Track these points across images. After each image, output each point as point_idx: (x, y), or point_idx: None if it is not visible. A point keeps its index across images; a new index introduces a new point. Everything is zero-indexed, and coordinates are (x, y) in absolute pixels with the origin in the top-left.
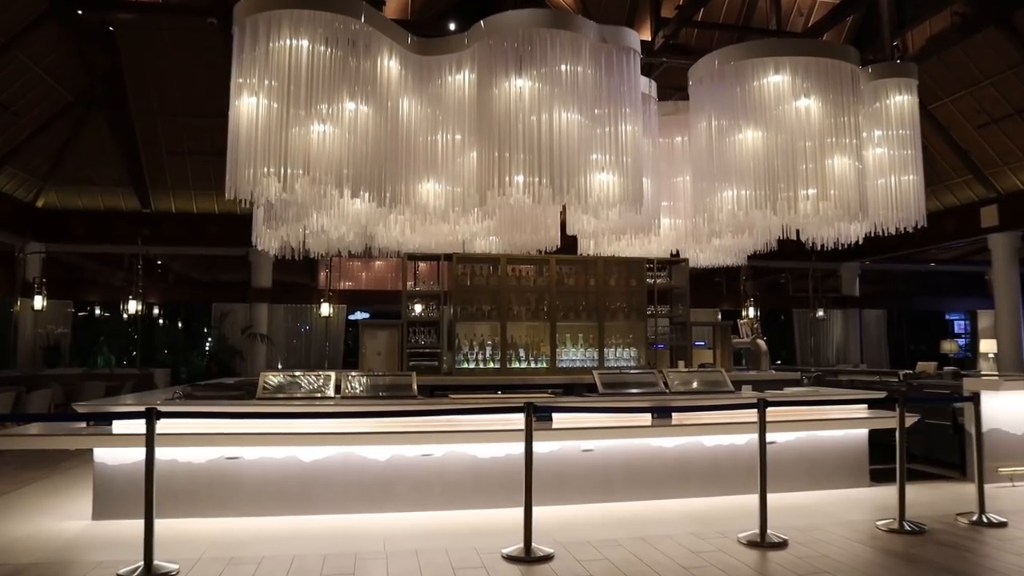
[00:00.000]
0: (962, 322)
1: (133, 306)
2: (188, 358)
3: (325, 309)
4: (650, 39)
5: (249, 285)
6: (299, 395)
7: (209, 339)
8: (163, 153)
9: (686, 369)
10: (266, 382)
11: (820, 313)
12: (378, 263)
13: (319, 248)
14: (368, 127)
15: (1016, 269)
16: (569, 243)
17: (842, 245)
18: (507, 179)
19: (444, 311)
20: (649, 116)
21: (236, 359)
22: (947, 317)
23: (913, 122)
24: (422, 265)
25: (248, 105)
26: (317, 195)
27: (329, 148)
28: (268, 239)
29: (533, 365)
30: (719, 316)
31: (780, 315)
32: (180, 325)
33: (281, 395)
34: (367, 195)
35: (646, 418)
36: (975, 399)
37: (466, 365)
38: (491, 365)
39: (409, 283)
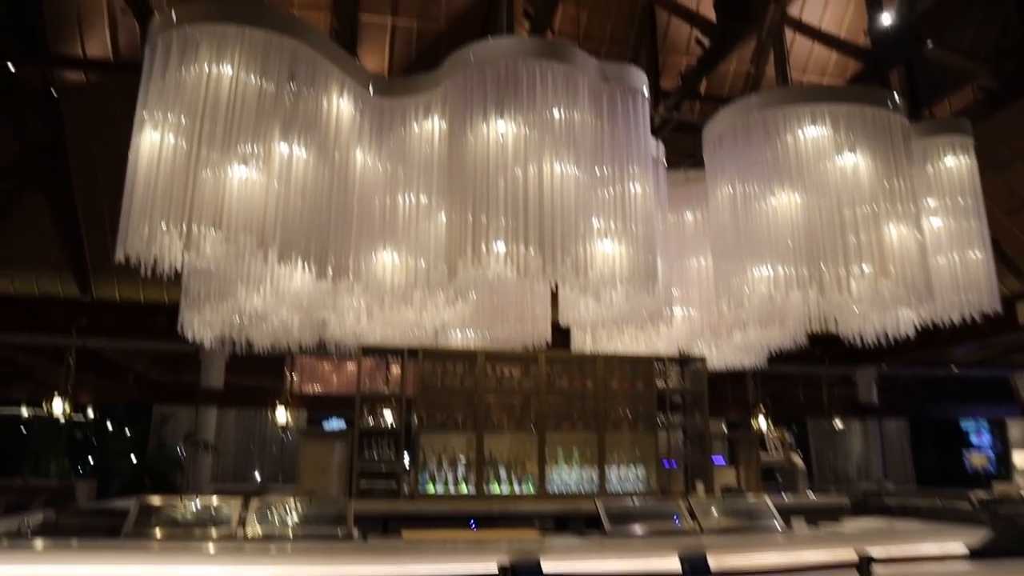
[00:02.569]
0: (981, 432)
1: (59, 405)
2: (120, 467)
3: (281, 415)
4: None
5: (197, 386)
6: (180, 532)
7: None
8: (107, 234)
9: (714, 495)
10: (143, 509)
11: (838, 423)
12: (351, 365)
13: (262, 340)
14: (307, 178)
15: None
16: (561, 339)
17: (893, 340)
18: (484, 246)
19: (407, 419)
20: (659, 182)
21: (176, 471)
22: (963, 427)
23: (974, 189)
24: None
25: (150, 143)
26: (235, 260)
27: (250, 199)
28: (196, 326)
29: (517, 489)
30: (724, 427)
31: (791, 426)
32: (123, 429)
33: (162, 529)
34: (302, 264)
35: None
36: None
37: (432, 489)
38: (464, 489)
39: (364, 384)
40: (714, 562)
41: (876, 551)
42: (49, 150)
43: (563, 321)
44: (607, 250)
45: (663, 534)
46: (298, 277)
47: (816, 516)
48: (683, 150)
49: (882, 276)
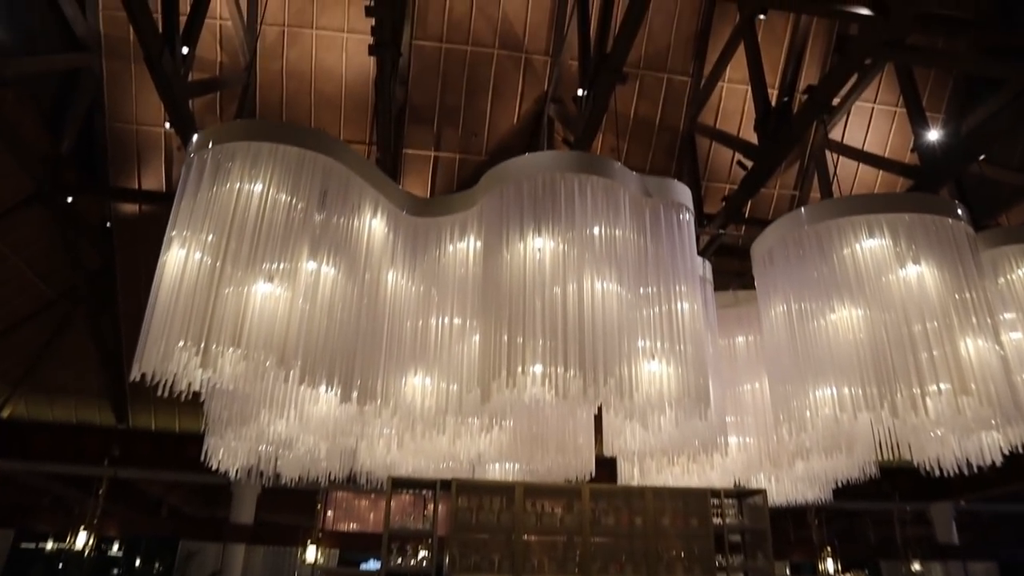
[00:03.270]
0: None
1: (83, 538)
2: None
3: (311, 554)
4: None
5: (226, 520)
6: None
7: None
8: None
9: None
10: None
11: (916, 566)
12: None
13: (291, 471)
14: (334, 296)
15: None
16: (607, 473)
17: (972, 471)
18: (520, 368)
19: (439, 559)
20: (707, 302)
21: None
22: None
23: None
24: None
25: (175, 260)
26: (255, 379)
27: (272, 316)
28: (221, 454)
29: None
30: (788, 571)
31: (865, 569)
32: (151, 565)
33: None
34: (326, 385)
35: None
36: None
37: None
38: None
39: (394, 519)
40: None
41: None
42: (99, 280)
43: (608, 451)
44: (654, 371)
45: None
46: (323, 401)
47: None
48: (730, 271)
49: (962, 394)
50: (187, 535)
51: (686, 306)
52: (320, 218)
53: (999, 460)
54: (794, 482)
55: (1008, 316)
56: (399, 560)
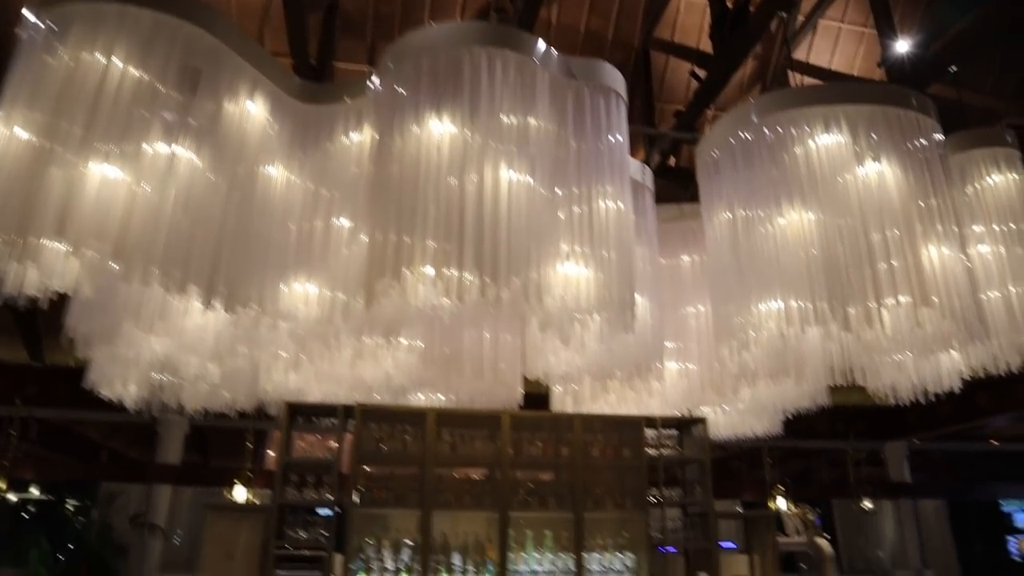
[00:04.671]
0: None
1: None
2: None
3: (240, 494)
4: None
5: (151, 462)
6: None
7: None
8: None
9: None
10: None
11: (867, 504)
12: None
13: (191, 401)
14: (193, 187)
15: None
16: (542, 404)
17: (924, 412)
18: (409, 268)
19: (340, 493)
20: (645, 211)
21: (120, 558)
22: (1005, 509)
23: None
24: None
25: None
26: (99, 282)
27: (108, 203)
28: (114, 383)
29: None
30: (739, 507)
31: (816, 508)
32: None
33: None
34: (181, 288)
35: None
36: None
37: None
38: None
39: (305, 452)
40: None
41: None
42: None
43: (531, 373)
44: (569, 275)
45: None
46: (197, 313)
47: None
48: (682, 200)
49: (923, 305)
50: (108, 477)
51: (611, 207)
52: (182, 99)
53: (957, 386)
54: (741, 414)
55: (976, 229)
56: (294, 494)
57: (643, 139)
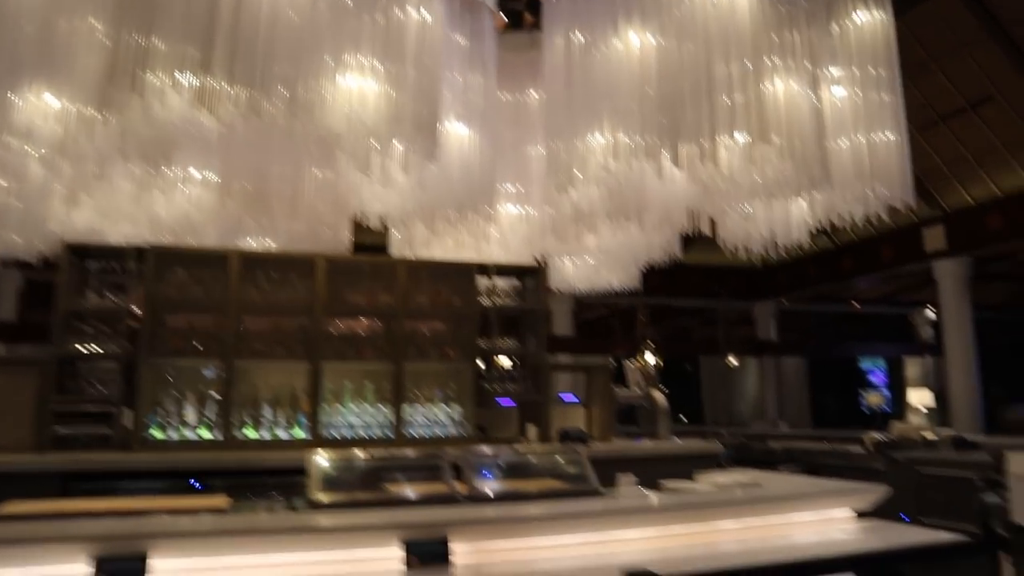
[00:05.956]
0: (878, 371)
1: None
2: None
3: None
4: None
5: None
6: None
7: None
8: None
9: (504, 446)
10: None
11: (732, 360)
12: None
13: None
14: None
15: (967, 302)
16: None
17: (793, 273)
18: (150, 71)
19: (131, 341)
20: (482, 34)
21: None
22: (861, 366)
23: (889, 56)
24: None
25: None
26: None
27: None
28: None
29: (284, 434)
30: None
31: (686, 365)
32: None
33: None
34: None
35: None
36: None
37: (160, 435)
38: (206, 434)
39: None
40: (467, 547)
41: (728, 524)
42: None
43: (347, 211)
44: (357, 91)
45: (385, 504)
46: None
47: (664, 468)
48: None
49: (762, 142)
50: None
51: (413, 17)
52: None
53: (804, 237)
54: (596, 266)
55: (835, 71)
56: (87, 345)
57: None
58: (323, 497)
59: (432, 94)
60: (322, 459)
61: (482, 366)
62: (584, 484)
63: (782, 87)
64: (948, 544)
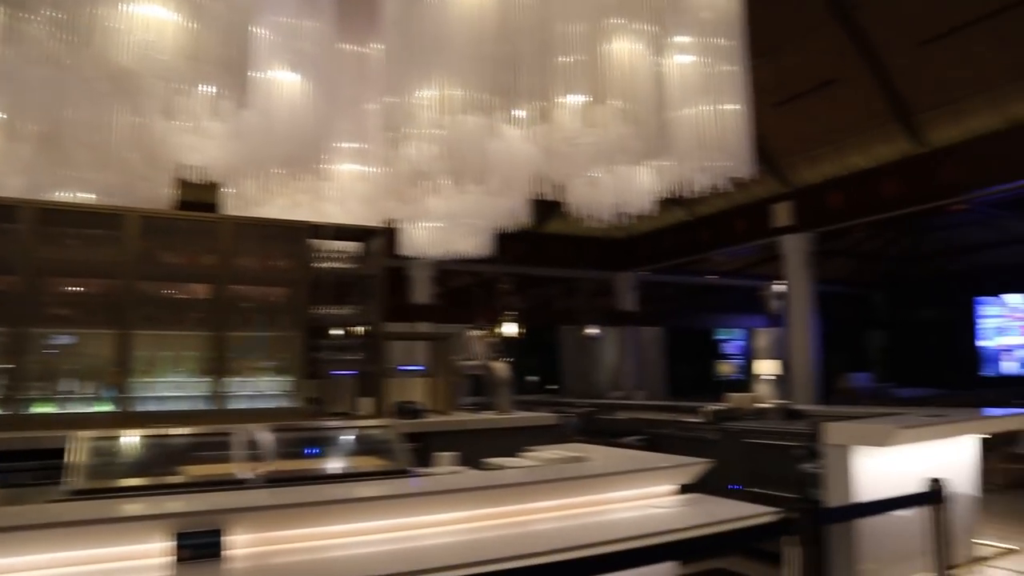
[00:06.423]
0: (736, 342)
1: None
2: None
3: None
4: None
5: None
6: None
7: None
8: None
9: (376, 416)
10: None
11: (591, 330)
12: None
13: None
14: None
15: (810, 277)
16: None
17: (652, 246)
18: None
19: None
20: None
21: None
22: (718, 337)
23: (734, 26)
24: None
25: None
26: None
27: None
28: None
29: (88, 407)
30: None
31: (547, 335)
32: None
33: None
34: None
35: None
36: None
37: None
38: None
39: None
40: (250, 537)
41: (544, 504)
42: None
43: (166, 163)
44: (149, 18)
45: (156, 490)
46: None
47: (502, 441)
48: None
49: (599, 103)
50: None
51: None
52: None
53: (651, 206)
54: (446, 230)
55: (679, 39)
56: None
57: None
58: (83, 484)
59: (242, 32)
60: (85, 440)
61: (315, 335)
62: (395, 463)
63: (625, 49)
64: (749, 525)
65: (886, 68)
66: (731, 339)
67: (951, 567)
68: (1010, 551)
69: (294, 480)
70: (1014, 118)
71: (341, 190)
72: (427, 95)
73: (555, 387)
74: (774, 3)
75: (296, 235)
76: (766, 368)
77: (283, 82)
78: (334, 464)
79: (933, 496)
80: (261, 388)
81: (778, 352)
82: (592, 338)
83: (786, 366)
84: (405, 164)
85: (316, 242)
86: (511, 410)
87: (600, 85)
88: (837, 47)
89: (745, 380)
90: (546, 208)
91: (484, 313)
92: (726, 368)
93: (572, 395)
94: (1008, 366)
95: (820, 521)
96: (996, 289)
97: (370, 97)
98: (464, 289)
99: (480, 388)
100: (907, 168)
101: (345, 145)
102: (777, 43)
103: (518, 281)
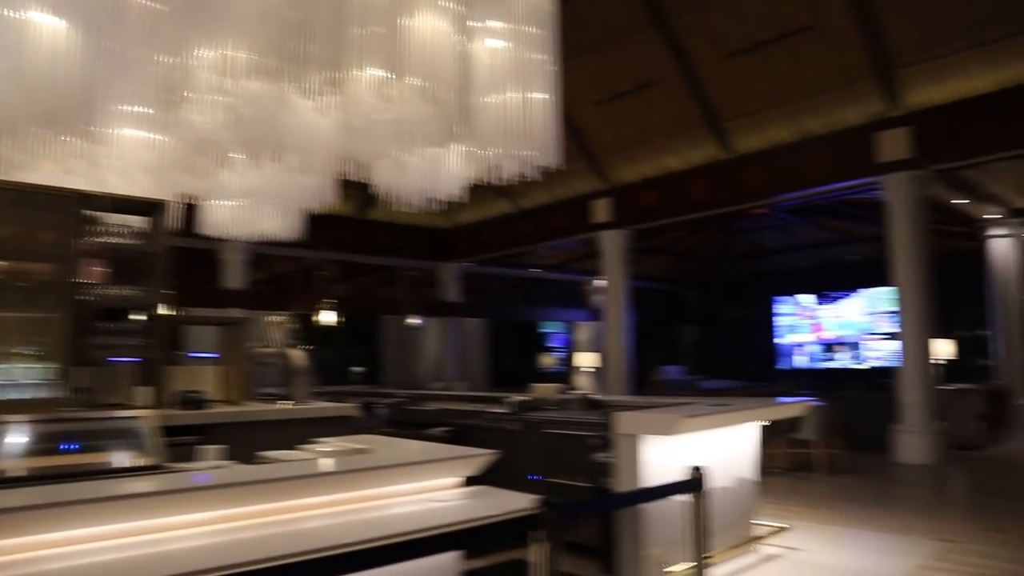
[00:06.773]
0: (560, 335)
1: None
2: None
3: None
4: None
5: None
6: None
7: None
8: None
9: (54, 412)
10: None
11: (414, 320)
12: None
13: None
14: None
15: (626, 272)
16: None
17: (476, 237)
18: None
19: None
20: None
21: None
22: (543, 330)
23: (545, 14)
24: None
25: None
26: None
27: None
28: None
29: None
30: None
31: (372, 325)
32: None
33: None
34: None
35: None
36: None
37: None
38: None
39: None
40: None
41: (316, 500)
42: None
43: None
44: None
45: None
46: None
47: (292, 432)
48: None
49: (398, 77)
50: None
51: None
52: None
53: (461, 192)
54: (249, 209)
55: (489, 22)
56: None
57: None
58: None
59: None
60: None
61: (88, 318)
62: (147, 458)
63: (427, 25)
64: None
65: (698, 76)
66: (555, 332)
67: (728, 549)
68: (782, 529)
69: (20, 480)
70: (805, 131)
71: (123, 158)
72: (208, 55)
73: (377, 378)
74: (599, 5)
75: (63, 204)
76: (586, 360)
77: (41, 26)
78: (68, 461)
79: (694, 484)
80: (15, 376)
81: (597, 345)
82: (415, 328)
83: (604, 358)
84: (189, 132)
85: (90, 214)
86: (307, 400)
87: (398, 60)
88: (655, 52)
89: (567, 372)
90: (370, 195)
91: (302, 300)
92: (549, 360)
93: (392, 386)
94: (799, 360)
95: (568, 515)
96: (791, 289)
97: (153, 56)
98: (284, 276)
99: (283, 377)
100: (714, 172)
101: (127, 108)
102: (599, 43)
103: (342, 269)
